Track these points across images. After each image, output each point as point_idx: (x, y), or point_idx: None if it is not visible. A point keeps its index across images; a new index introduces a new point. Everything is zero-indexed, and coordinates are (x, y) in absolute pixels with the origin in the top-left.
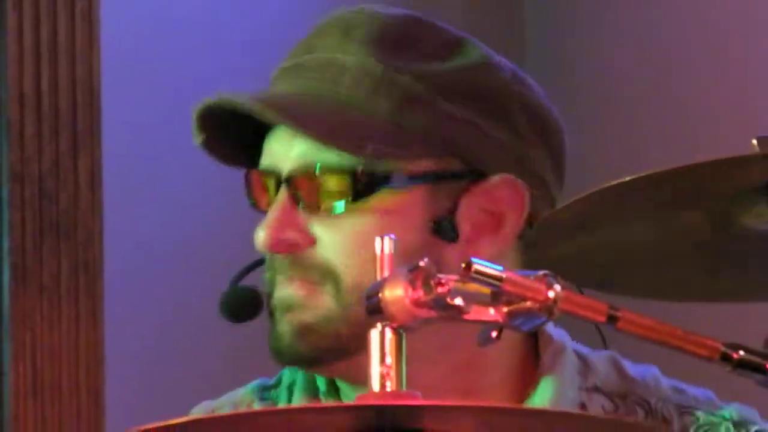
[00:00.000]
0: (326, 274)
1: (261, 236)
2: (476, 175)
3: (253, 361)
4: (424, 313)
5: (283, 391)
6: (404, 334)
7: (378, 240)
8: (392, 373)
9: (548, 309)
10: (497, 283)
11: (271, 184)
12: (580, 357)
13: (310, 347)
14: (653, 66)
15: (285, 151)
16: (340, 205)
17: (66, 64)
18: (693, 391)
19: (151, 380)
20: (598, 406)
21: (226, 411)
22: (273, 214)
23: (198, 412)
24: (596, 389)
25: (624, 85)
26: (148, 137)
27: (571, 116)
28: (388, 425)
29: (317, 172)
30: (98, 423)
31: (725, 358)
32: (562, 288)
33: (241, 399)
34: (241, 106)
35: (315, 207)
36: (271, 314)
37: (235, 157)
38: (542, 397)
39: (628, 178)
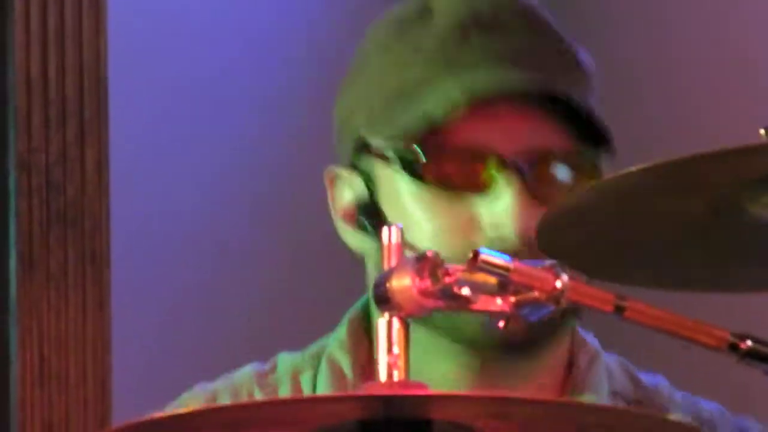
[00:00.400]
0: None
1: (515, 225)
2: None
3: (261, 351)
4: (432, 302)
5: (284, 378)
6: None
7: (385, 229)
8: (400, 362)
9: (555, 299)
10: (504, 273)
11: (492, 165)
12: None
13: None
14: (659, 56)
15: (503, 135)
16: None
17: (73, 52)
18: (705, 403)
19: (157, 369)
20: None
21: (225, 396)
22: (516, 203)
23: (195, 395)
24: (615, 394)
25: (629, 75)
26: (155, 126)
27: None
28: (396, 416)
29: (563, 159)
30: (105, 411)
31: (733, 347)
32: (570, 278)
33: (239, 383)
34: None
35: (551, 200)
36: None
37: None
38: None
39: (634, 168)
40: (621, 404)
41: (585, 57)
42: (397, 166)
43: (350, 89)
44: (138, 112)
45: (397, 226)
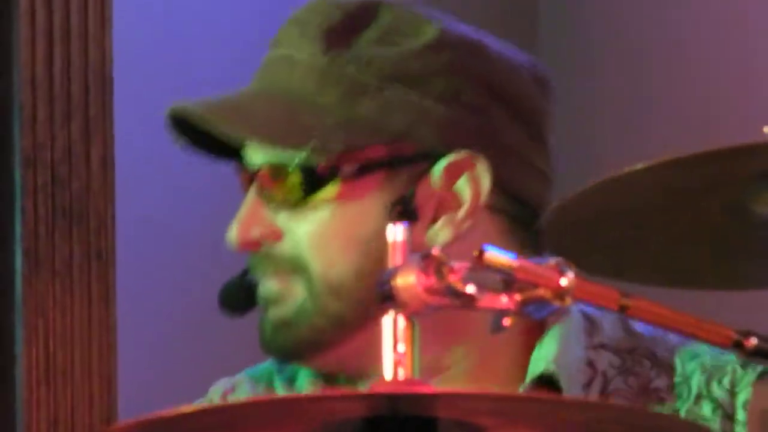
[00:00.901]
0: (296, 267)
1: (230, 235)
2: (432, 156)
3: None
4: (436, 300)
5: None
6: (416, 322)
7: (390, 228)
8: (405, 360)
9: (561, 296)
10: (509, 270)
11: (246, 179)
12: (586, 317)
13: (289, 340)
14: (665, 53)
15: (254, 148)
16: (296, 199)
17: (78, 49)
18: (702, 349)
19: (163, 366)
20: (605, 362)
21: (244, 387)
22: (241, 211)
23: (217, 388)
24: (602, 346)
25: (636, 73)
26: (160, 123)
27: (584, 105)
28: (402, 413)
29: (274, 168)
30: (110, 408)
31: (738, 345)
32: (575, 275)
33: (259, 375)
34: (190, 116)
35: (277, 202)
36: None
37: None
38: (547, 350)
39: (640, 166)
40: (609, 356)
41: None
42: None
43: None
44: (143, 109)
45: (402, 224)
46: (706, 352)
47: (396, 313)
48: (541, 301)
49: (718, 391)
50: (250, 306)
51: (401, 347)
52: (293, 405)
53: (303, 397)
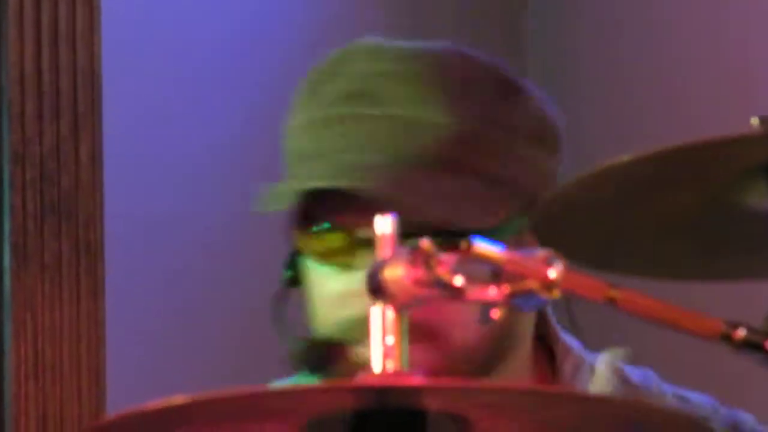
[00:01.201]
0: (428, 334)
1: None
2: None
3: (254, 342)
4: (425, 292)
5: None
6: (405, 314)
7: (377, 219)
8: (393, 352)
9: (549, 288)
10: (498, 262)
11: (355, 246)
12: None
13: None
14: (652, 46)
15: (370, 212)
16: None
17: (67, 45)
18: (695, 397)
19: (152, 360)
20: None
21: None
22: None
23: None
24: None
25: (623, 65)
26: (148, 119)
27: (570, 96)
28: (390, 406)
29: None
30: (99, 403)
31: (725, 336)
32: (563, 268)
33: None
34: (367, 193)
35: None
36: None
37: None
38: None
39: (626, 158)
40: None
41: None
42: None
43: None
44: (131, 106)
45: (390, 216)
46: (710, 413)
47: (384, 305)
48: (530, 293)
49: None
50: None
51: (390, 339)
52: (282, 398)
53: (292, 390)
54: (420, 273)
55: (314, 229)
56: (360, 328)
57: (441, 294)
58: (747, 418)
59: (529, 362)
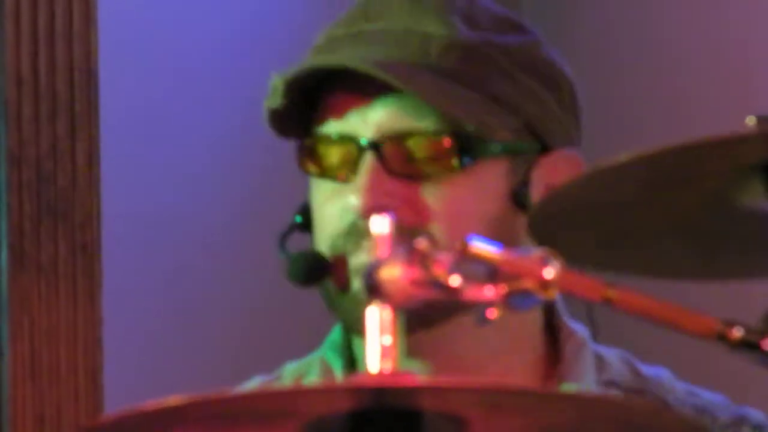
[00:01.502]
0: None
1: (358, 202)
2: (543, 149)
3: (252, 343)
4: (422, 292)
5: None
6: (401, 314)
7: (374, 218)
8: (390, 352)
9: (545, 288)
10: (494, 262)
11: (350, 151)
12: (594, 353)
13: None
14: (648, 46)
15: (362, 117)
16: (432, 172)
17: (63, 46)
18: (706, 394)
19: (149, 361)
20: None
21: (316, 370)
22: (365, 180)
23: (289, 371)
24: (611, 383)
25: (619, 65)
26: (145, 119)
27: None
28: (387, 406)
29: (415, 138)
30: (96, 404)
31: (722, 336)
32: (559, 267)
33: (299, 372)
34: (364, 69)
35: (409, 174)
36: (343, 281)
37: (290, 126)
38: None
39: (623, 158)
40: (616, 393)
41: (474, 34)
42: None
43: None
44: (128, 106)
45: (387, 216)
46: (719, 409)
47: (381, 305)
48: (526, 293)
49: None
50: (324, 275)
51: (386, 339)
52: (279, 399)
53: (288, 391)
54: (416, 273)
55: (317, 135)
56: (355, 235)
57: (437, 294)
58: (757, 414)
59: (538, 339)
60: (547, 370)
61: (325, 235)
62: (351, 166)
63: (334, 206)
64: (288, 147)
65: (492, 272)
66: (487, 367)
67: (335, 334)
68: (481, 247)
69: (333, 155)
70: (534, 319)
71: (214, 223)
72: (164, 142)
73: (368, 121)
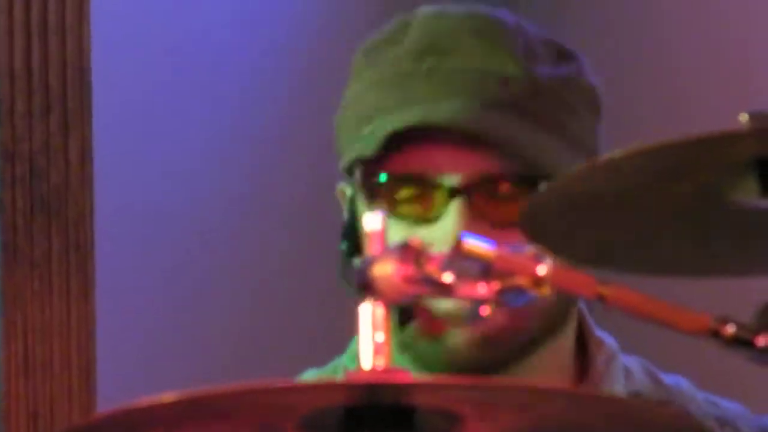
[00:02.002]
0: None
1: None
2: None
3: (246, 340)
4: (414, 289)
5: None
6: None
7: (367, 216)
8: (383, 349)
9: (538, 285)
10: (487, 259)
11: (436, 194)
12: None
13: (492, 357)
14: (645, 42)
15: (450, 161)
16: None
17: (57, 42)
18: (726, 404)
19: (142, 356)
20: None
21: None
22: (456, 225)
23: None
24: (636, 394)
25: (615, 60)
26: (138, 116)
27: None
28: (381, 402)
29: (503, 184)
30: (89, 400)
31: (714, 332)
32: (552, 264)
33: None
34: (473, 129)
35: (496, 220)
36: (432, 328)
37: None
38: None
39: (618, 154)
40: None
41: (551, 70)
42: (359, 192)
43: (338, 109)
44: (121, 102)
45: (379, 213)
46: (740, 420)
47: (374, 302)
48: (519, 290)
49: None
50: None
51: (379, 336)
52: (274, 395)
53: (283, 388)
54: (409, 270)
55: (395, 178)
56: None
57: (430, 291)
58: None
59: (569, 350)
60: (577, 382)
61: None
62: (435, 208)
63: None
64: (284, 142)
65: (485, 269)
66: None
67: (354, 345)
68: (474, 244)
69: (415, 196)
70: (567, 341)
71: (207, 220)
72: (157, 138)
73: (454, 165)
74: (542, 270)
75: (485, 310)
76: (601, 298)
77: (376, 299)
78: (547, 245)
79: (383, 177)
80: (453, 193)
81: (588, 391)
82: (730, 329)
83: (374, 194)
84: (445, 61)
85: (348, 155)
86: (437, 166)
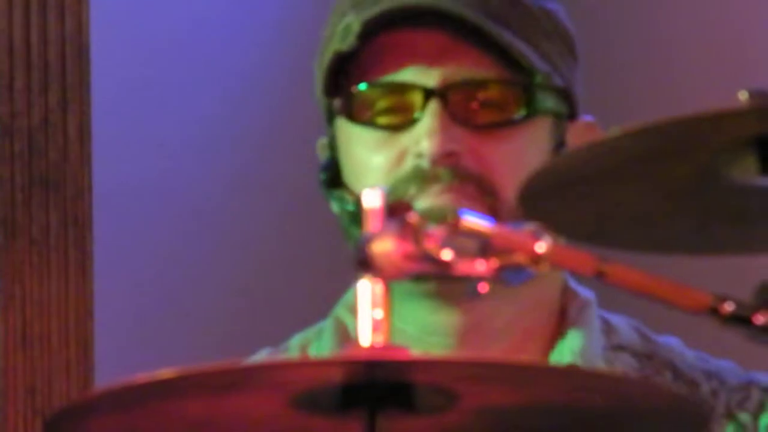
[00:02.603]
0: (485, 189)
1: (428, 146)
2: (572, 115)
3: (244, 315)
4: (414, 266)
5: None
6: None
7: (366, 192)
8: (382, 326)
9: (537, 262)
10: (485, 237)
11: (413, 98)
12: (603, 319)
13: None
14: (640, 19)
15: (426, 65)
16: (503, 123)
17: (55, 17)
18: (716, 361)
19: (139, 332)
20: (623, 364)
21: (326, 339)
22: (434, 125)
23: (295, 342)
24: (620, 347)
25: (611, 39)
26: (137, 92)
27: None
28: (379, 379)
29: (482, 87)
30: (87, 374)
31: (714, 310)
32: (551, 241)
33: (305, 340)
34: (458, 11)
35: (474, 123)
36: None
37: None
38: (570, 347)
39: (615, 131)
40: (628, 358)
41: None
42: (339, 114)
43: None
44: (120, 78)
45: (379, 189)
46: (728, 373)
47: (373, 279)
48: (518, 267)
49: (742, 414)
50: None
51: (378, 313)
52: (271, 371)
53: (281, 364)
54: (408, 247)
55: (372, 85)
56: (419, 180)
57: (429, 268)
58: (766, 378)
59: (556, 301)
60: (555, 330)
61: (376, 184)
62: (413, 113)
63: (386, 154)
64: (280, 119)
65: (484, 246)
66: (515, 324)
67: (350, 294)
68: (473, 221)
69: (392, 102)
70: (553, 289)
71: (205, 196)
72: (155, 114)
73: (433, 67)
74: (541, 247)
75: (483, 287)
76: (601, 276)
77: (375, 276)
78: (546, 223)
79: (363, 86)
80: (429, 94)
81: (586, 369)
82: (729, 307)
83: (353, 111)
84: None
85: (322, 72)
86: (415, 67)
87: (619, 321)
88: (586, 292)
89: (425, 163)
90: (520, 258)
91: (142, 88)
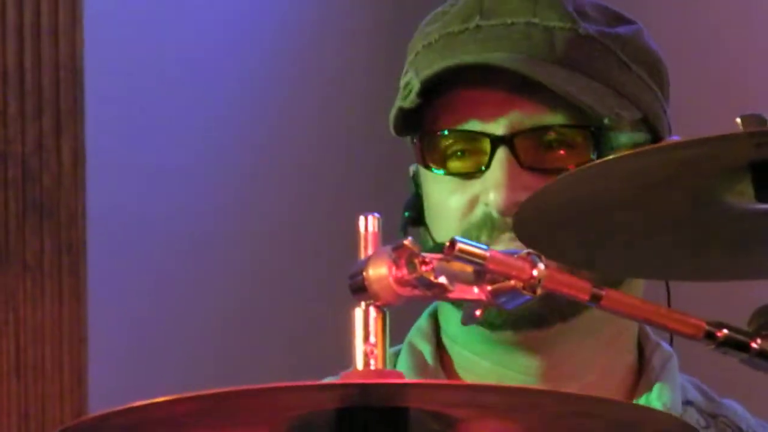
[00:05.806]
0: None
1: (495, 198)
2: (654, 140)
3: (237, 342)
4: (408, 291)
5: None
6: (387, 313)
7: (362, 218)
8: (377, 351)
9: (532, 287)
10: (481, 261)
11: (481, 146)
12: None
13: (550, 307)
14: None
15: (492, 113)
16: (563, 165)
17: (49, 43)
18: None
19: (133, 359)
20: (693, 420)
21: (404, 359)
22: (501, 175)
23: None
24: (689, 403)
25: None
26: (131, 117)
27: None
28: (374, 404)
29: (550, 132)
30: (81, 402)
31: (709, 336)
32: (546, 266)
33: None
34: (510, 66)
35: (543, 168)
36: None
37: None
38: (661, 401)
39: (611, 156)
40: (695, 415)
41: (597, 28)
42: (417, 158)
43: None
44: (114, 104)
45: (373, 215)
46: None
47: (367, 305)
48: (513, 292)
49: None
50: None
51: (373, 338)
52: (265, 397)
53: (274, 389)
54: (403, 272)
55: (445, 131)
56: (489, 228)
57: (424, 293)
58: None
59: (632, 347)
60: (636, 375)
61: (451, 228)
62: (481, 161)
63: (459, 200)
64: (273, 148)
65: (480, 271)
66: (591, 366)
67: (422, 321)
68: (469, 246)
69: (462, 149)
70: (629, 326)
71: (198, 222)
72: (150, 140)
73: (500, 116)
74: (537, 272)
75: (479, 313)
76: (596, 300)
77: (369, 301)
78: (542, 248)
79: (432, 135)
80: (496, 141)
81: (584, 395)
82: (724, 333)
83: (426, 157)
84: (489, 20)
85: (391, 121)
86: (482, 117)
87: (684, 379)
88: (666, 346)
89: (495, 213)
90: (515, 283)
91: (136, 114)
